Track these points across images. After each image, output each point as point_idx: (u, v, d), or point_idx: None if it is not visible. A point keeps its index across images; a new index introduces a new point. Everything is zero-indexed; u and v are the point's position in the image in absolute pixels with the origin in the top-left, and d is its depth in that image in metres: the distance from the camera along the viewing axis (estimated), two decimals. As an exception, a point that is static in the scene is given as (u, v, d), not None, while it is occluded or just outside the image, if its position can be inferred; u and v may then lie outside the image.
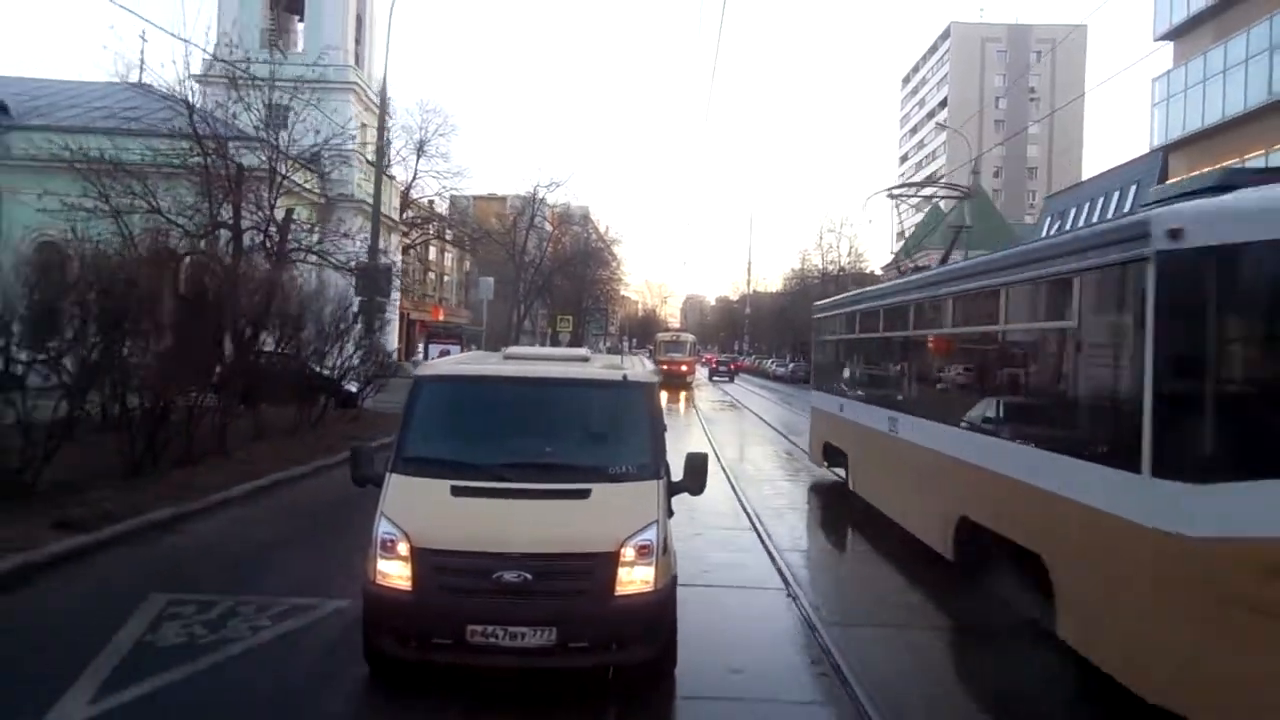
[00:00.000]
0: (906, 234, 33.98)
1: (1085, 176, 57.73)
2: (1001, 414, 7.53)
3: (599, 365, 6.50)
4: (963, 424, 8.13)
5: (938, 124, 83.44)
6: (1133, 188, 34.35)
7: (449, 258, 64.36)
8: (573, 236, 63.75)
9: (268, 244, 18.49)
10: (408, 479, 5.51)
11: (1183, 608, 4.85)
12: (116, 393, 11.07)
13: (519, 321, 44.29)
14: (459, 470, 5.52)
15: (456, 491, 5.33)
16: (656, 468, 5.62)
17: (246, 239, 19.55)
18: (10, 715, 4.88)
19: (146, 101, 32.41)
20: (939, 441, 8.59)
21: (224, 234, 19.70)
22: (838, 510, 12.38)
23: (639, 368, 6.51)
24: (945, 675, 6.38)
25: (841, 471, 13.05)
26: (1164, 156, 30.08)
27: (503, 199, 63.75)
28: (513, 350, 7.42)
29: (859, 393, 12.46)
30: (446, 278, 64.88)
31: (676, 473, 5.88)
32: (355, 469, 5.83)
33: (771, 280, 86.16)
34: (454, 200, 52.77)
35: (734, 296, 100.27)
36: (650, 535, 5.16)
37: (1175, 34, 28.90)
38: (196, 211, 18.90)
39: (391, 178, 39.46)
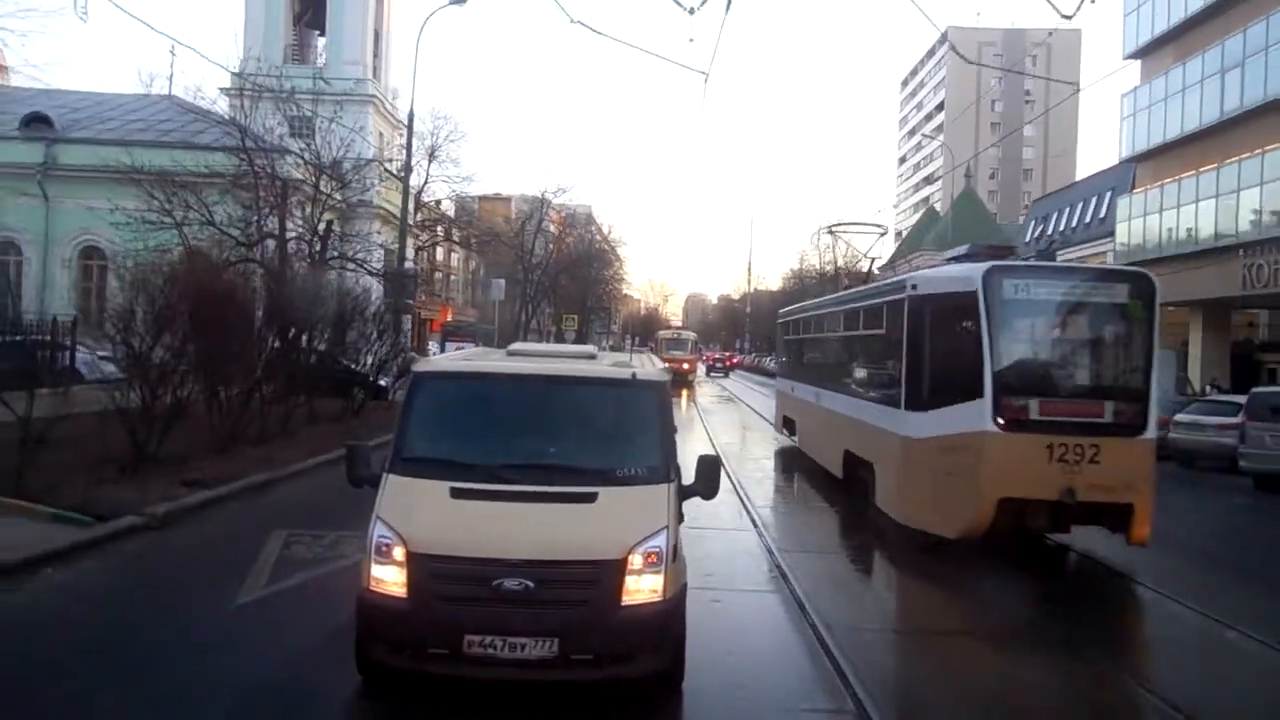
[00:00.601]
0: (845, 263, 40.80)
1: (1079, 178, 59.87)
2: (857, 384, 13.07)
3: (607, 363, 6.44)
4: (843, 392, 13.53)
5: (924, 135, 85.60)
6: (1108, 194, 36.62)
7: (455, 257, 66.75)
8: (576, 238, 66.00)
9: (311, 253, 20.86)
10: (405, 480, 5.36)
11: (911, 472, 10.06)
12: (210, 384, 13.51)
13: (527, 321, 46.63)
14: (459, 471, 5.35)
15: (456, 494, 5.17)
16: (667, 471, 5.47)
17: (290, 247, 21.99)
18: (216, 595, 7.27)
19: (179, 114, 34.98)
20: (835, 405, 13.92)
21: (267, 242, 22.17)
22: (796, 476, 16.00)
23: (648, 366, 6.47)
24: (850, 574, 9.96)
25: (795, 437, 18.10)
26: (1134, 167, 32.35)
27: (507, 199, 66.00)
28: (517, 346, 7.25)
29: (801, 376, 17.80)
30: (453, 277, 67.25)
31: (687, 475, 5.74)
32: (351, 469, 5.70)
33: (773, 279, 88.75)
34: (461, 201, 55.21)
35: (736, 295, 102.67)
36: (659, 542, 5.02)
37: (1142, 53, 31.18)
38: (247, 224, 21.33)
39: (395, 175, 41.96)
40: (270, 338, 15.66)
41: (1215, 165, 26.42)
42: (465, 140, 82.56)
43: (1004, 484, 8.99)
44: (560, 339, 46.60)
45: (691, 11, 10.38)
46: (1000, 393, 9.12)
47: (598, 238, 69.88)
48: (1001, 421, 9.04)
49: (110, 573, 7.94)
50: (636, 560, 4.95)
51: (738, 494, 12.82)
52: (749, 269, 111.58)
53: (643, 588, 4.95)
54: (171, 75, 43.28)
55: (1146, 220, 30.15)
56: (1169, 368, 25.06)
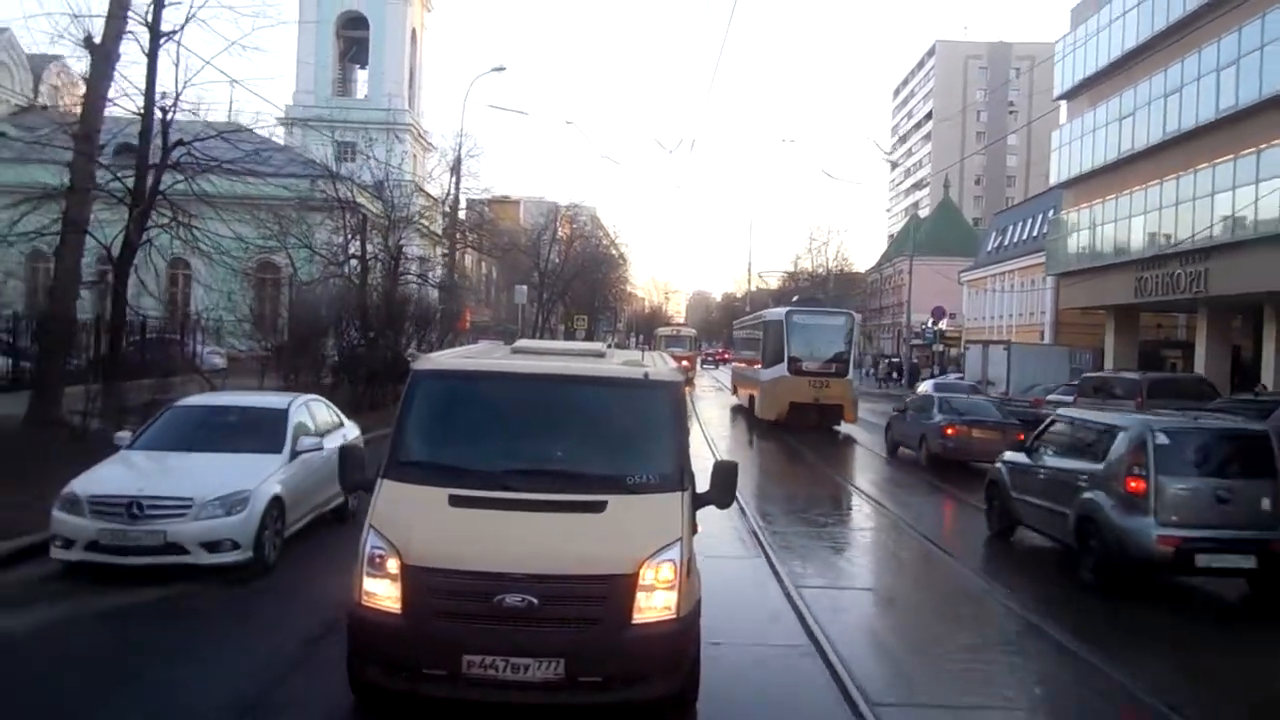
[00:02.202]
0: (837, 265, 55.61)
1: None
2: (752, 360, 28.39)
3: (617, 361, 6.24)
4: (749, 364, 29.16)
5: (905, 169, 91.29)
6: (1051, 212, 43.00)
7: (468, 260, 73.21)
8: (583, 241, 72.31)
9: (389, 271, 27.35)
10: (401, 486, 5.21)
11: (764, 394, 25.23)
12: (347, 370, 20.12)
13: (543, 322, 53.13)
14: (458, 477, 5.19)
15: (455, 501, 5.01)
16: (680, 478, 5.32)
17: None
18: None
19: (244, 143, 41.48)
20: (747, 371, 29.34)
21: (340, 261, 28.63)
22: (738, 423, 27.57)
23: (660, 365, 6.24)
24: (744, 445, 19.18)
25: (737, 396, 31.45)
26: (1062, 192, 38.75)
27: (516, 202, 72.29)
28: (522, 343, 7.04)
29: (739, 360, 32.24)
30: (468, 280, 73.66)
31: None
32: (344, 472, 5.62)
33: (774, 277, 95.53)
34: (474, 206, 61.58)
35: (739, 293, 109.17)
36: (673, 555, 4.89)
37: (1067, 96, 37.57)
38: (338, 248, 27.80)
39: (433, 198, 48.51)
40: (370, 338, 22.27)
41: (1115, 195, 32.79)
42: (483, 155, 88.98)
43: (791, 395, 23.48)
44: (570, 337, 52.79)
45: (670, 151, 17.46)
46: (791, 360, 23.75)
47: (604, 241, 76.18)
48: (791, 371, 23.60)
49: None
50: (648, 575, 4.81)
51: (700, 429, 20.81)
52: (749, 269, 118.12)
53: (655, 605, 4.81)
54: (231, 106, 49.44)
55: (1067, 238, 36.61)
56: (1064, 361, 31.68)
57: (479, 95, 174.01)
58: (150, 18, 15.00)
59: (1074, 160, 36.32)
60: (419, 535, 4.90)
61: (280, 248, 26.94)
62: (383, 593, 4.82)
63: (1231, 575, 9.11)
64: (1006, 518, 11.61)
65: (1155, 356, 36.38)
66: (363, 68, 47.83)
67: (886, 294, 72.70)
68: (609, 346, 8.32)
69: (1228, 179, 26.56)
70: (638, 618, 4.79)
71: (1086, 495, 9.59)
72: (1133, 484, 9.01)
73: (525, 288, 40.88)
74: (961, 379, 31.74)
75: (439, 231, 50.97)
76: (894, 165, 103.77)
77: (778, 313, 26.26)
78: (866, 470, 19.11)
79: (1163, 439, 9.10)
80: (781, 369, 23.85)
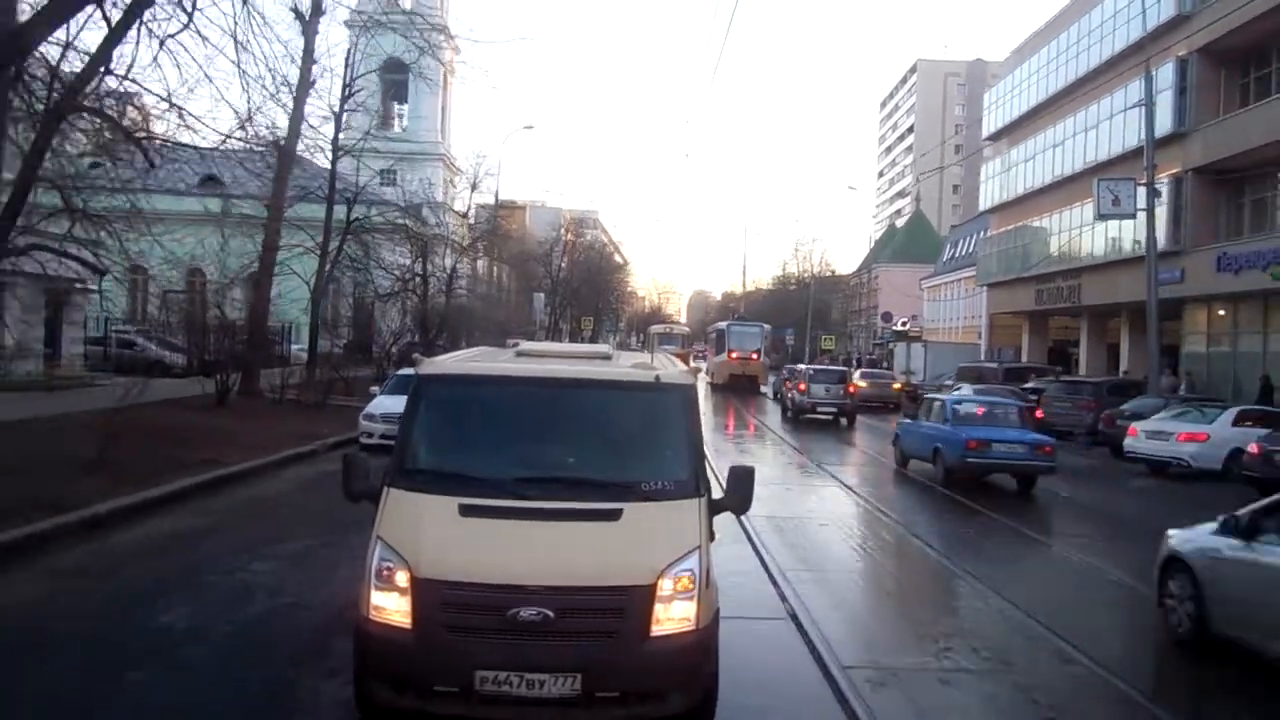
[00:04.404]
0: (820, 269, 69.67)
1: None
2: (713, 350, 49.23)
3: (627, 364, 6.19)
4: (713, 355, 48.84)
5: (889, 179, 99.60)
6: (984, 230, 52.16)
7: (480, 265, 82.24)
8: (586, 246, 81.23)
9: (447, 289, 36.53)
10: (408, 495, 5.22)
11: (716, 370, 45.85)
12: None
13: (554, 324, 62.19)
14: (468, 485, 5.22)
15: (465, 511, 5.03)
16: (696, 484, 5.36)
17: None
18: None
19: (301, 171, 50.64)
20: (712, 358, 41.81)
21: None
22: (706, 391, 36.79)
23: (671, 367, 6.28)
24: (709, 404, 28.01)
25: (708, 376, 46.21)
26: (990, 216, 47.99)
27: (521, 207, 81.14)
28: (527, 346, 7.03)
29: (711, 354, 47.01)
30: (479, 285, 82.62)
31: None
32: (347, 481, 5.52)
33: (769, 276, 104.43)
34: (482, 211, 70.25)
35: (736, 293, 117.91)
36: (692, 565, 4.94)
37: (993, 137, 46.81)
38: (404, 268, 36.91)
39: (459, 213, 57.68)
40: (430, 338, 31.45)
41: (1023, 221, 42.02)
42: (499, 174, 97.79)
43: (729, 371, 43.78)
44: (577, 338, 61.04)
45: (658, 221, 27.34)
46: (729, 351, 44.64)
47: (609, 246, 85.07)
48: (728, 358, 44.16)
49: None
50: (667, 586, 4.85)
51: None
52: (744, 272, 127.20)
53: (674, 616, 4.86)
54: (289, 136, 58.71)
55: (988, 254, 45.93)
56: (969, 356, 41.03)
57: (490, 114, 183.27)
58: (332, 139, 24.17)
59: (996, 191, 45.62)
60: (429, 547, 4.91)
61: (363, 266, 36.11)
62: (391, 607, 4.85)
63: (829, 415, 28.85)
64: (787, 410, 30.83)
65: (1063, 353, 45.49)
66: (401, 103, 56.82)
67: (864, 297, 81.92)
68: (613, 347, 8.74)
69: (1092, 216, 35.77)
70: (656, 630, 4.81)
71: (793, 393, 30.07)
72: (802, 386, 29.37)
73: (542, 295, 49.95)
74: (887, 369, 42.38)
75: (464, 245, 60.27)
76: (879, 176, 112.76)
77: (723, 324, 48.89)
78: (758, 406, 36.56)
79: (811, 372, 30.49)
80: (724, 356, 44.03)
